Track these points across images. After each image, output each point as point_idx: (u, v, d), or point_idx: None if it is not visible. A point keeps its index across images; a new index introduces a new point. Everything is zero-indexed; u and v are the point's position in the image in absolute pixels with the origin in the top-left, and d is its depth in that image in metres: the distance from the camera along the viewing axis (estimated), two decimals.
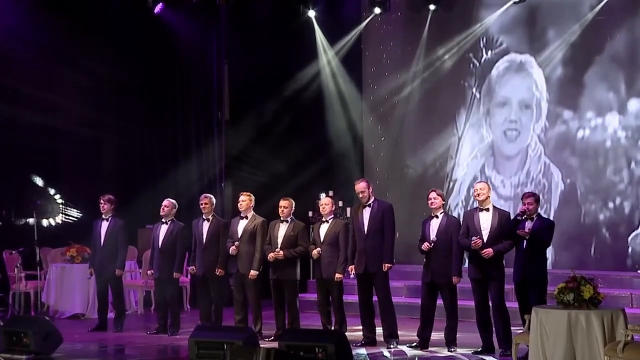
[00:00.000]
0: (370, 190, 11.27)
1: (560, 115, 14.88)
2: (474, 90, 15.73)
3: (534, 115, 15.10)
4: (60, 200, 15.44)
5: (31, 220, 14.11)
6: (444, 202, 10.97)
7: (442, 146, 16.09)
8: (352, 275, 11.46)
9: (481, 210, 10.59)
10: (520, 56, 15.28)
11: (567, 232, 14.49)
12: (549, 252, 14.02)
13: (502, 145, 15.47)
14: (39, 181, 14.87)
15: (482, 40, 15.63)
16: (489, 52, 15.60)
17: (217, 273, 12.04)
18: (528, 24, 15.17)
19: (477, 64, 15.72)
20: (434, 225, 10.83)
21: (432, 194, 10.89)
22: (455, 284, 10.75)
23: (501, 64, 15.50)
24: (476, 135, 15.73)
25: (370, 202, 11.23)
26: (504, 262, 10.60)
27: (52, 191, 15.21)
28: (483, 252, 10.37)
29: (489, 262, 10.39)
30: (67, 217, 15.34)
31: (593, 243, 14.52)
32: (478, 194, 10.66)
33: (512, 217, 10.56)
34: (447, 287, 10.79)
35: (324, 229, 11.56)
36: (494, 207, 10.64)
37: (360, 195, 11.25)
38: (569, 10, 14.69)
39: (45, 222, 14.25)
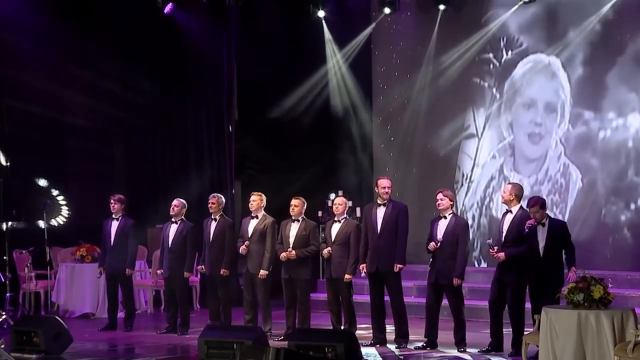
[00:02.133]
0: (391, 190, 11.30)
1: (582, 115, 14.72)
2: (494, 90, 15.61)
3: (557, 116, 14.95)
4: (63, 202, 15.36)
5: (41, 223, 14.10)
6: (452, 203, 10.95)
7: (452, 146, 16.06)
8: (362, 274, 11.46)
9: (507, 212, 10.60)
10: (541, 56, 15.13)
11: (587, 233, 14.44)
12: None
13: (523, 147, 15.33)
14: (42, 182, 14.82)
15: (503, 40, 15.50)
16: (509, 52, 15.45)
17: (222, 273, 12.05)
18: (547, 23, 15.00)
19: (497, 64, 15.60)
20: (442, 225, 10.84)
21: (439, 195, 10.91)
22: (456, 285, 10.75)
23: (521, 64, 15.37)
24: (495, 135, 15.65)
25: (386, 201, 11.23)
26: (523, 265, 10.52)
27: (55, 192, 15.14)
28: (496, 255, 10.37)
29: (507, 265, 10.37)
30: (65, 218, 15.25)
31: (613, 243, 14.39)
32: (501, 196, 10.66)
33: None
34: (451, 288, 10.79)
35: (335, 228, 11.55)
36: (520, 208, 10.55)
37: (384, 192, 11.21)
38: (589, 9, 14.52)
39: (44, 224, 14.19)
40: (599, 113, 14.60)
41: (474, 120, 15.86)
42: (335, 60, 16.70)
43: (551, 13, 15.01)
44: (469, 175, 15.89)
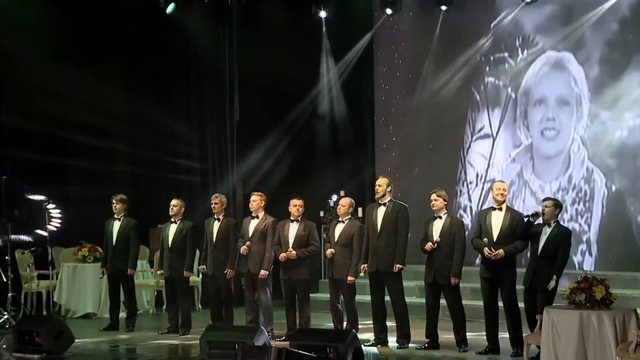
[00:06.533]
0: (388, 190, 11.25)
1: (598, 115, 14.61)
2: (509, 90, 15.52)
3: (573, 116, 14.86)
4: (57, 214, 15.18)
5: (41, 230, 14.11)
6: (446, 203, 10.92)
7: (454, 147, 16.05)
8: (361, 274, 11.44)
9: (494, 209, 10.58)
10: (556, 55, 15.05)
11: (606, 234, 14.44)
12: (586, 253, 14.01)
13: (540, 147, 15.25)
14: (37, 197, 14.74)
15: (510, 39, 15.48)
16: (517, 52, 15.39)
17: (226, 274, 12.05)
18: (564, 22, 14.90)
19: (506, 64, 15.54)
20: (437, 225, 10.83)
21: (433, 196, 10.90)
22: (453, 285, 10.73)
23: (530, 64, 15.30)
24: (511, 136, 15.58)
25: (386, 201, 11.22)
26: (515, 262, 10.57)
27: (50, 205, 14.99)
28: (493, 255, 10.34)
29: (500, 261, 10.38)
30: (56, 227, 15.09)
31: (633, 245, 14.30)
32: (501, 194, 10.62)
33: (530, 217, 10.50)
34: (449, 288, 10.78)
35: (339, 229, 11.54)
36: (507, 207, 10.64)
37: (376, 190, 11.21)
38: (604, 7, 14.44)
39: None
40: (615, 113, 14.45)
41: (497, 121, 15.78)
42: (337, 59, 16.71)
43: (566, 12, 14.88)
44: (483, 175, 15.83)
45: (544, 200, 10.40)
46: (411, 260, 11.34)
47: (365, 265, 11.24)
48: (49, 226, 14.04)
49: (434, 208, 10.88)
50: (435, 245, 10.72)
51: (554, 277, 9.93)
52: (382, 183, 11.25)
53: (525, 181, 15.31)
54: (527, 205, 14.71)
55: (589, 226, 14.63)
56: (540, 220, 10.23)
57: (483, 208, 14.01)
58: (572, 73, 14.90)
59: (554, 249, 10.08)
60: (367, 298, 11.56)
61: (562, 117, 14.99)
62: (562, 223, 10.46)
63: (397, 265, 11.03)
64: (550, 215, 10.19)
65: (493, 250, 10.36)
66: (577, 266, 14.39)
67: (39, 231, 14.13)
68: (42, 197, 14.28)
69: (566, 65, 14.95)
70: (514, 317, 10.44)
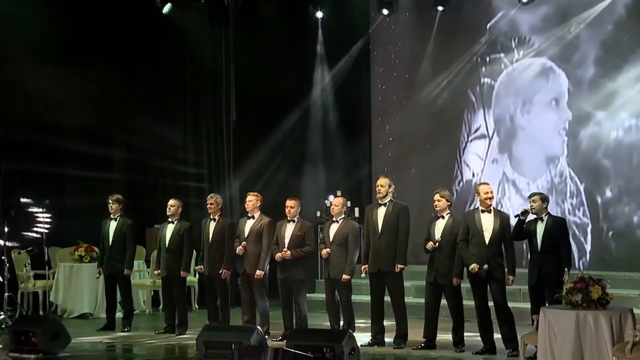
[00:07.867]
0: (390, 190, 11.25)
1: (593, 115, 14.65)
2: (505, 90, 15.59)
3: (569, 116, 14.89)
4: (47, 218, 15.14)
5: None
6: (449, 203, 10.92)
7: (450, 147, 16.06)
8: (363, 275, 11.45)
9: (483, 211, 10.58)
10: (550, 56, 15.07)
11: (602, 234, 14.46)
12: (581, 253, 14.01)
13: (528, 148, 15.30)
14: (32, 200, 14.72)
15: (506, 40, 15.49)
16: (513, 52, 15.40)
17: (221, 274, 12.05)
18: (559, 23, 14.91)
19: (501, 65, 15.56)
20: (440, 225, 10.83)
21: (436, 196, 10.89)
22: (455, 285, 10.74)
23: (527, 65, 15.33)
24: (506, 137, 15.61)
25: (386, 201, 11.21)
26: (504, 262, 10.59)
27: (38, 209, 14.96)
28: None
29: (490, 262, 10.40)
30: (42, 233, 15.06)
31: (628, 245, 14.33)
32: (490, 197, 10.62)
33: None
34: (450, 288, 10.78)
35: (333, 229, 11.54)
36: (494, 209, 10.66)
37: (377, 190, 11.22)
38: (600, 8, 14.49)
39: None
40: (610, 113, 14.48)
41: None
42: (334, 60, 16.70)
43: (562, 13, 14.89)
44: (479, 176, 15.83)
45: (531, 196, 10.42)
46: (408, 261, 11.33)
47: (366, 266, 11.24)
48: (33, 232, 14.06)
49: (436, 208, 10.88)
50: (437, 244, 10.73)
51: (566, 270, 9.94)
52: (384, 183, 11.24)
53: (515, 180, 15.31)
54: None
55: (585, 226, 14.66)
56: (530, 217, 10.26)
57: (468, 210, 14.08)
58: (568, 73, 14.92)
59: (553, 242, 10.12)
60: (365, 298, 11.56)
61: (559, 117, 15.00)
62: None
63: (399, 266, 11.04)
64: (540, 209, 10.23)
65: (480, 269, 10.39)
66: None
67: (35, 231, 14.12)
68: (37, 200, 14.29)
69: (562, 65, 14.98)
70: (507, 316, 10.46)
